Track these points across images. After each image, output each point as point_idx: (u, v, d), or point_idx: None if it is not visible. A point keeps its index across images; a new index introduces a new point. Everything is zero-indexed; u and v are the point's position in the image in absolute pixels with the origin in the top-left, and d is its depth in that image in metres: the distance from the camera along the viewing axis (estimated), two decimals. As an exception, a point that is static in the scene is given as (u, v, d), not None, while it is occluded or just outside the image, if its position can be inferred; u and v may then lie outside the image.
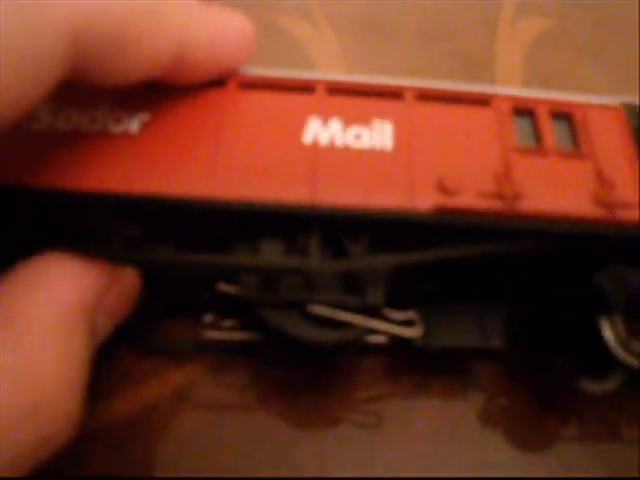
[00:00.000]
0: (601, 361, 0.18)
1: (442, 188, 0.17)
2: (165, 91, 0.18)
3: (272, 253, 0.17)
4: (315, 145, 0.18)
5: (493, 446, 0.20)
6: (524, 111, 0.19)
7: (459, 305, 0.19)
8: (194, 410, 0.20)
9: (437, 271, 0.18)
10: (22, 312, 0.14)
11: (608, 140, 0.19)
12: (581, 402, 0.21)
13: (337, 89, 0.19)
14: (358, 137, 0.18)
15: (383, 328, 0.18)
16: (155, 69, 0.16)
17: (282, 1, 0.31)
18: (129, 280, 0.17)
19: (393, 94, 0.19)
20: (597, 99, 0.20)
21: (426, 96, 0.19)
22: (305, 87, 0.19)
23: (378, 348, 0.19)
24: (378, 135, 0.18)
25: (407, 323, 0.18)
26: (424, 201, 0.17)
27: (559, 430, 0.20)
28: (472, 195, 0.17)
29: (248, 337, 0.19)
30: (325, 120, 0.18)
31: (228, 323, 0.19)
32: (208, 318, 0.19)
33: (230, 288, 0.18)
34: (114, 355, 0.20)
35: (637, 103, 0.20)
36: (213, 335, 0.19)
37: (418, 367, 0.20)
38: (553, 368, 0.19)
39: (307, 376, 0.20)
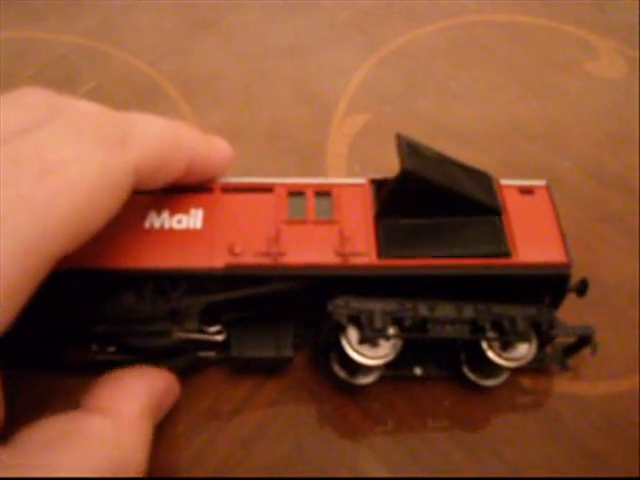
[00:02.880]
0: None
1: (231, 252, 0.26)
2: None
3: (125, 300, 0.26)
4: (151, 229, 0.26)
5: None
6: (297, 193, 0.28)
7: (261, 326, 0.28)
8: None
9: (237, 304, 0.26)
10: (119, 409, 0.22)
11: (353, 208, 0.28)
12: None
13: (169, 189, 0.28)
14: (179, 221, 0.27)
15: (200, 337, 0.27)
16: (176, 178, 0.25)
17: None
18: (177, 388, 0.26)
19: (206, 189, 0.28)
20: (352, 180, 0.29)
21: (229, 188, 0.28)
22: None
23: (211, 361, 0.28)
24: (192, 219, 0.27)
25: (217, 333, 0.27)
26: (219, 261, 0.26)
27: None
28: (251, 255, 0.26)
29: (120, 357, 0.27)
30: (159, 212, 0.27)
31: (110, 349, 0.27)
32: (94, 347, 0.27)
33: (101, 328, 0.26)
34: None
35: (381, 178, 0.28)
36: (100, 357, 0.27)
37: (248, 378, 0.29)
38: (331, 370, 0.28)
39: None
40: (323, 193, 0.28)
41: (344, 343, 0.26)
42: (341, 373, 0.28)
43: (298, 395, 0.29)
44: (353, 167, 0.38)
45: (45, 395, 0.28)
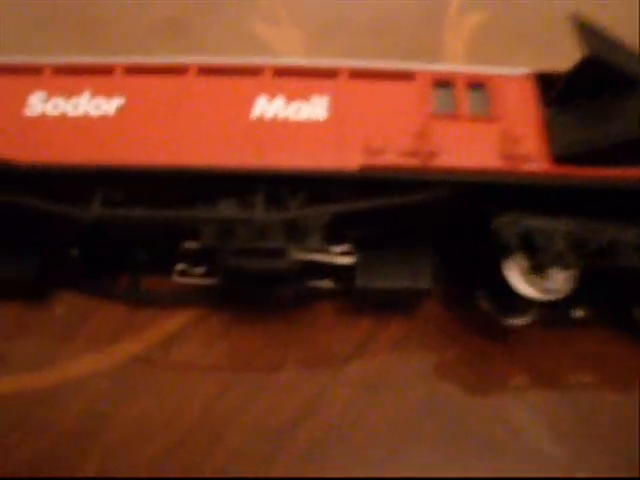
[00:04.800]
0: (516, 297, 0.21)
1: (368, 149, 0.20)
2: (137, 78, 0.22)
3: (227, 208, 0.20)
4: (261, 118, 0.21)
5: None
6: (444, 83, 0.22)
7: (392, 252, 0.22)
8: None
9: (369, 219, 0.21)
10: None
11: (514, 104, 0.22)
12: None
13: (282, 72, 0.22)
14: (298, 110, 0.21)
15: (323, 258, 0.21)
16: None
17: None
18: None
19: (330, 73, 0.22)
20: (509, 70, 0.23)
21: (359, 74, 0.22)
22: (254, 71, 0.22)
23: (328, 293, 0.23)
24: (316, 108, 0.21)
25: (345, 254, 0.21)
26: (352, 161, 0.20)
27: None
28: (393, 154, 0.20)
29: (213, 281, 0.22)
30: (271, 98, 0.21)
31: (198, 270, 0.22)
32: (180, 266, 0.22)
33: (194, 244, 0.21)
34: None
35: (551, 72, 0.23)
36: (185, 281, 0.22)
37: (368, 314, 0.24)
38: (477, 307, 0.22)
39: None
40: (476, 85, 0.22)
41: (508, 271, 0.20)
42: (490, 310, 0.22)
43: (429, 338, 0.24)
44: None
45: (117, 330, 0.24)
